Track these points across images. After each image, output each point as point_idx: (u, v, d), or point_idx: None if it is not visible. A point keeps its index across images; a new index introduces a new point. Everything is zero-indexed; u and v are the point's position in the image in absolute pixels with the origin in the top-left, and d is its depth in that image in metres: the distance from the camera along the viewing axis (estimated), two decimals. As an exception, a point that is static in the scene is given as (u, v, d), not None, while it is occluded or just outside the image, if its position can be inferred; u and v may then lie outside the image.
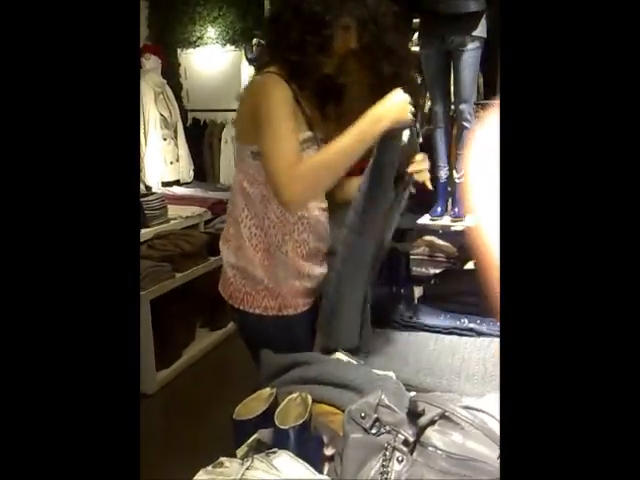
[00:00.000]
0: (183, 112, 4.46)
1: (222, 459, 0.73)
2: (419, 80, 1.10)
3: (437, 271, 1.66)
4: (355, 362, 1.04)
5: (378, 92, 1.06)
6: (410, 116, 1.04)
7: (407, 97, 1.04)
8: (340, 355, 1.06)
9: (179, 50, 4.82)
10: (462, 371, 1.00)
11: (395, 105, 1.03)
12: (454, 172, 2.26)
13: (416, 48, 2.16)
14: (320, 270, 1.23)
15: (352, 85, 1.23)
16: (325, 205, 1.22)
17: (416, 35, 2.23)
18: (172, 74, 4.59)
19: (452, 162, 2.33)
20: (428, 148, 2.34)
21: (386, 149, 1.03)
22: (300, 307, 1.21)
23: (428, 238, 1.90)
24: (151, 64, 3.80)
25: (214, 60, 4.72)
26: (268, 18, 1.23)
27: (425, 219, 2.20)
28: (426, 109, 3.75)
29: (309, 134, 1.14)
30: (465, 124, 2.12)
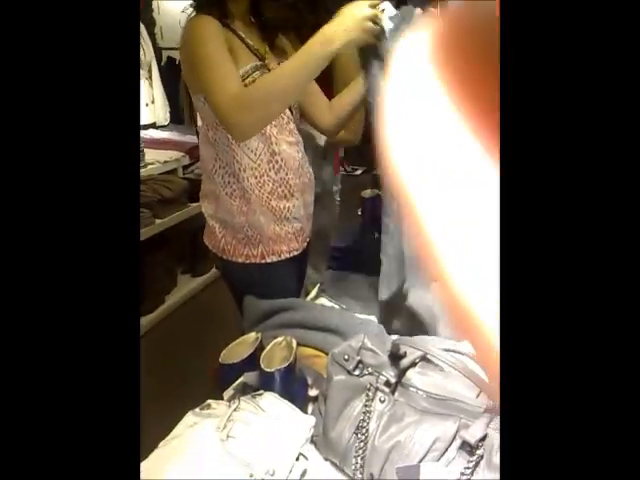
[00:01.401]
0: (157, 51, 4.24)
1: (209, 401, 0.74)
2: None
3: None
4: (337, 307, 1.05)
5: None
6: (370, 34, 0.91)
7: (365, 9, 0.90)
8: (324, 300, 1.08)
9: (151, -18, 4.53)
10: (442, 315, 1.02)
11: (348, 23, 0.90)
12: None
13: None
14: (302, 212, 1.22)
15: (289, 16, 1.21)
16: (294, 139, 1.19)
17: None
18: (144, 9, 4.32)
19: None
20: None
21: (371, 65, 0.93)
22: (284, 254, 1.21)
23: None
24: (121, -3, 3.56)
25: (188, -6, 4.47)
26: None
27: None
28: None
29: (257, 63, 1.10)
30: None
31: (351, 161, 4.77)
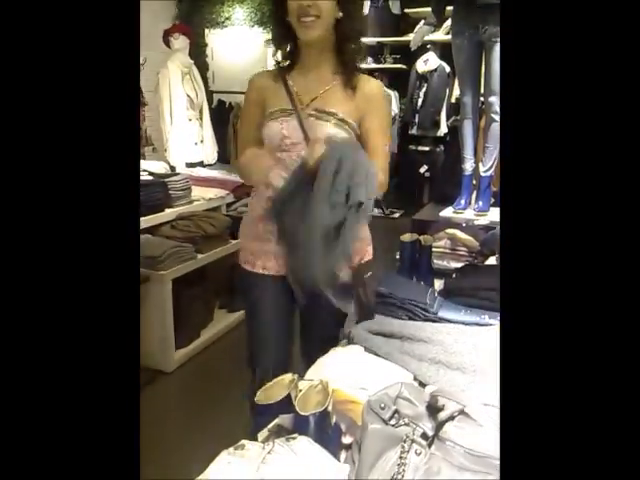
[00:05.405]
0: (208, 93, 4.47)
1: (243, 442, 0.74)
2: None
3: (458, 265, 1.66)
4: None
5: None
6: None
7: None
8: (357, 348, 1.07)
9: (206, 30, 4.81)
10: (482, 365, 1.00)
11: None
12: (480, 165, 2.24)
13: (447, 37, 2.12)
14: None
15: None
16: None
17: (448, 23, 2.19)
18: (199, 54, 4.58)
19: (478, 155, 2.30)
20: (455, 139, 2.31)
21: None
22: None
23: (451, 231, 1.89)
24: (180, 43, 3.80)
25: (241, 41, 4.70)
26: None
27: (448, 212, 2.18)
28: (454, 99, 3.69)
29: (286, 107, 1.27)
30: (494, 117, 2.09)
31: (388, 204, 4.79)
